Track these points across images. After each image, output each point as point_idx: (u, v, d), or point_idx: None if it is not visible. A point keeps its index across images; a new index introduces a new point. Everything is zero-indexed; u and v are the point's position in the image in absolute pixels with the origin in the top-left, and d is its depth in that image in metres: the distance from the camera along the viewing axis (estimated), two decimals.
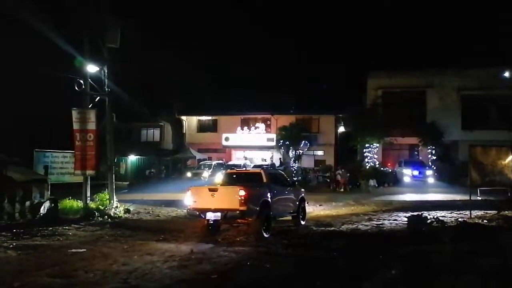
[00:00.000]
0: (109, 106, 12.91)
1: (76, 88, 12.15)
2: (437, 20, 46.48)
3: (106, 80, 12.64)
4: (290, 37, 50.81)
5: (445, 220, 10.61)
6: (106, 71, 12.64)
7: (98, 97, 12.65)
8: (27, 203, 10.87)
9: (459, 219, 10.92)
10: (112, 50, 12.66)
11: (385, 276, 5.01)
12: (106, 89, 12.73)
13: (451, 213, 12.51)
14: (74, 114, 12.23)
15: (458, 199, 15.51)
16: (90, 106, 12.47)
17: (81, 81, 12.21)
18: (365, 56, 46.04)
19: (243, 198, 8.52)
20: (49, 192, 11.71)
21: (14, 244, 8.01)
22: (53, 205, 11.30)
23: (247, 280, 5.63)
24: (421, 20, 47.43)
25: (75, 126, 12.22)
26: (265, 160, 30.21)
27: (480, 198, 13.84)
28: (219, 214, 8.70)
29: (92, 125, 12.19)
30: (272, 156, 31.05)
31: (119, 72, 13.99)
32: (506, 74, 24.08)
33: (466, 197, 12.26)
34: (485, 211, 11.95)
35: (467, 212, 11.80)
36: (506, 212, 11.05)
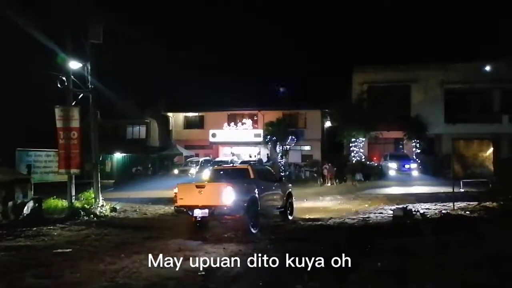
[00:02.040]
0: (93, 103, 12.70)
1: (59, 85, 11.91)
2: (421, 14, 47.09)
3: (89, 77, 12.43)
4: (276, 31, 50.80)
5: (429, 212, 10.84)
6: (89, 67, 12.43)
7: (82, 94, 12.44)
8: (10, 203, 10.63)
9: (443, 211, 11.17)
10: (95, 46, 12.44)
11: (371, 268, 5.09)
12: (90, 86, 12.53)
13: (435, 205, 12.78)
14: (57, 111, 12.00)
15: (442, 191, 15.84)
16: (73, 104, 12.24)
17: (64, 78, 11.97)
18: (350, 51, 46.35)
19: (230, 194, 8.52)
20: (32, 192, 11.48)
21: None
22: (37, 205, 11.09)
23: (234, 276, 5.64)
24: (406, 15, 48.01)
25: (58, 124, 12.00)
26: (254, 156, 30.20)
27: (462, 190, 14.17)
28: (206, 211, 8.69)
29: (75, 123, 11.98)
30: (259, 151, 31.11)
31: (103, 69, 13.78)
32: (487, 68, 24.62)
33: (450, 190, 12.53)
34: (468, 203, 12.24)
35: (450, 204, 12.07)
36: (487, 203, 11.34)
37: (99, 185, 12.71)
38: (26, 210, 10.81)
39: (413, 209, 10.45)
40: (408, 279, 4.41)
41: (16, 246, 7.89)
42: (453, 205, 11.82)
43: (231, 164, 19.60)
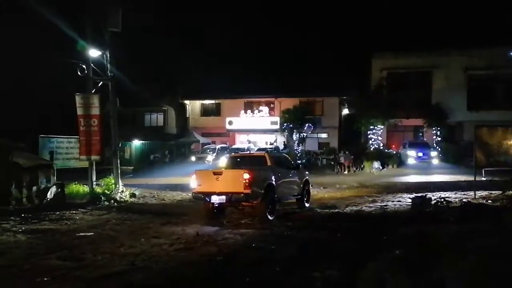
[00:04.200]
0: (112, 90, 12.87)
1: (79, 73, 12.10)
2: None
3: (108, 65, 12.57)
4: (294, 19, 50.03)
5: (449, 201, 10.63)
6: (108, 55, 12.55)
7: (101, 82, 12.61)
8: (34, 188, 11.00)
9: (463, 200, 10.93)
10: (114, 34, 12.55)
11: (389, 256, 5.05)
12: (109, 74, 12.68)
13: (455, 193, 12.52)
14: (78, 99, 12.22)
15: (463, 180, 15.49)
16: (93, 91, 12.44)
17: (84, 66, 12.15)
18: (370, 37, 45.28)
19: (247, 181, 8.56)
20: (55, 177, 11.82)
21: (23, 228, 8.14)
22: (59, 190, 11.43)
23: (252, 262, 5.70)
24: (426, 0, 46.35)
25: (79, 111, 12.23)
26: (271, 143, 30.13)
27: (484, 179, 13.83)
28: (224, 197, 8.76)
29: (96, 110, 12.19)
30: (276, 139, 31.04)
31: (122, 57, 13.90)
32: None
33: (471, 178, 12.25)
34: (490, 192, 11.95)
35: (472, 193, 11.81)
36: (510, 192, 11.04)
37: (119, 171, 12.97)
38: (50, 194, 11.16)
39: (432, 198, 10.26)
40: (427, 267, 4.35)
41: (41, 229, 8.17)
42: (474, 194, 11.55)
43: (248, 152, 19.64)
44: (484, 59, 25.65)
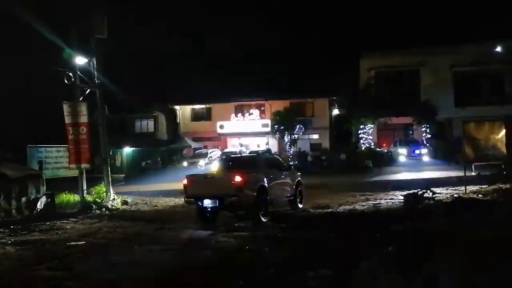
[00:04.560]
0: (100, 98, 12.75)
1: (66, 81, 11.98)
2: None
3: (95, 72, 12.47)
4: (281, 19, 50.27)
5: (440, 197, 10.72)
6: (95, 62, 12.46)
7: (89, 90, 12.50)
8: (23, 199, 10.83)
9: (455, 195, 11.03)
10: (100, 41, 12.45)
11: (382, 253, 5.06)
12: (96, 81, 12.57)
13: (446, 189, 12.65)
14: (65, 107, 12.08)
15: (453, 175, 15.64)
16: (81, 99, 12.32)
17: (70, 74, 12.03)
18: (357, 37, 45.68)
19: (239, 184, 8.53)
20: (44, 187, 11.66)
21: (12, 240, 8.00)
22: (49, 200, 11.26)
23: (246, 264, 5.67)
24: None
25: (67, 119, 12.10)
26: (265, 144, 30.07)
27: (474, 174, 13.96)
28: (216, 201, 8.72)
29: (84, 118, 12.07)
30: (268, 141, 31.06)
31: (110, 64, 13.80)
32: (498, 48, 24.01)
33: (461, 173, 12.37)
34: (480, 186, 12.08)
35: (462, 188, 11.94)
36: (500, 185, 11.17)
37: (110, 179, 12.83)
38: (40, 205, 10.99)
39: (424, 194, 10.33)
40: (420, 262, 4.37)
41: (31, 240, 8.03)
42: (465, 189, 11.68)
43: (240, 155, 19.60)
44: (469, 55, 26.00)
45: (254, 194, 8.82)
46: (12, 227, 9.24)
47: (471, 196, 10.75)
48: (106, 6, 12.43)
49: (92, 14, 11.94)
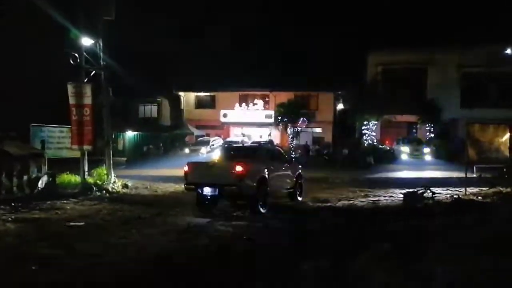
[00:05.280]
0: (105, 80, 12.71)
1: (71, 61, 11.92)
2: None
3: (101, 54, 12.41)
4: (289, 12, 49.74)
5: (440, 197, 10.72)
6: (101, 44, 12.39)
7: (94, 71, 12.46)
8: (25, 177, 10.87)
9: (454, 196, 11.03)
10: (107, 22, 12.38)
11: (379, 249, 5.08)
12: (102, 63, 12.53)
13: (446, 190, 12.63)
14: (70, 88, 12.07)
15: (455, 176, 15.61)
16: (85, 81, 12.30)
17: (76, 55, 11.98)
18: (366, 32, 45.19)
19: (240, 173, 8.55)
20: (46, 167, 11.69)
21: (13, 217, 8.06)
22: (51, 179, 11.33)
23: (243, 253, 5.71)
24: None
25: (71, 100, 12.09)
26: (268, 136, 30.04)
27: (476, 175, 13.93)
28: (216, 189, 8.75)
29: (88, 100, 12.05)
30: (270, 133, 31.03)
31: (116, 47, 13.75)
32: (508, 51, 23.76)
33: (463, 174, 12.34)
34: (480, 188, 12.05)
35: (462, 189, 11.92)
36: (501, 188, 11.15)
37: (111, 162, 12.86)
38: (41, 184, 11.06)
39: (424, 193, 10.33)
40: (415, 260, 4.39)
41: (31, 218, 8.10)
42: (465, 190, 11.66)
43: (241, 144, 19.61)
44: (478, 56, 25.75)
45: (254, 184, 8.85)
46: (13, 204, 9.31)
47: (471, 197, 10.74)
48: None
49: None
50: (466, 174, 12.02)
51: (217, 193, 8.83)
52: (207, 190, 8.87)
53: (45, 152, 12.17)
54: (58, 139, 13.35)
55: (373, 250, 5.05)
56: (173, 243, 6.34)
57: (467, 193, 11.46)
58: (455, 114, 25.84)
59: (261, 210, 8.96)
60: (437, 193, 11.06)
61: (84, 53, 12.23)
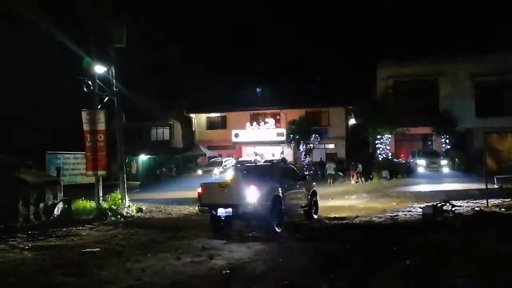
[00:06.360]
0: (118, 106, 12.95)
1: (85, 89, 12.23)
2: (446, 5, 45.52)
3: (114, 80, 12.69)
4: (297, 28, 50.39)
5: (460, 210, 10.39)
6: (113, 71, 12.68)
7: (107, 98, 12.71)
8: (41, 205, 11.00)
9: (475, 208, 10.69)
10: (119, 50, 12.70)
11: (399, 267, 4.90)
12: (114, 89, 12.79)
13: (467, 202, 12.26)
14: (84, 115, 12.31)
15: (474, 188, 15.18)
16: (99, 107, 12.53)
17: (89, 82, 12.27)
18: (374, 46, 45.35)
19: (254, 193, 8.46)
20: (62, 194, 11.83)
21: (30, 245, 8.10)
22: (66, 206, 11.41)
23: (259, 275, 5.57)
24: (429, 6, 46.51)
25: (85, 127, 12.31)
26: (281, 154, 29.93)
27: (497, 186, 13.52)
28: (230, 209, 8.66)
29: (101, 126, 12.26)
30: (283, 151, 30.91)
31: (127, 72, 14.04)
32: None
33: (483, 186, 11.99)
34: (503, 199, 11.67)
35: (484, 201, 11.55)
36: None
37: (125, 186, 12.95)
38: (57, 211, 11.14)
39: (443, 207, 10.04)
40: (437, 276, 4.20)
41: (48, 245, 8.12)
42: (487, 202, 11.29)
43: (254, 164, 19.52)
44: (491, 65, 25.44)
45: (269, 203, 8.73)
46: (29, 232, 9.37)
47: (493, 209, 10.38)
48: (125, 15, 12.67)
49: (112, 24, 12.18)
50: (486, 185, 11.67)
51: (231, 214, 8.73)
52: (221, 211, 8.78)
53: (60, 179, 12.34)
54: (73, 165, 13.55)
55: (393, 267, 4.86)
56: (188, 266, 6.24)
57: (489, 204, 11.09)
58: (471, 124, 25.35)
59: (276, 229, 8.80)
60: (457, 206, 10.73)
61: (97, 80, 12.52)
